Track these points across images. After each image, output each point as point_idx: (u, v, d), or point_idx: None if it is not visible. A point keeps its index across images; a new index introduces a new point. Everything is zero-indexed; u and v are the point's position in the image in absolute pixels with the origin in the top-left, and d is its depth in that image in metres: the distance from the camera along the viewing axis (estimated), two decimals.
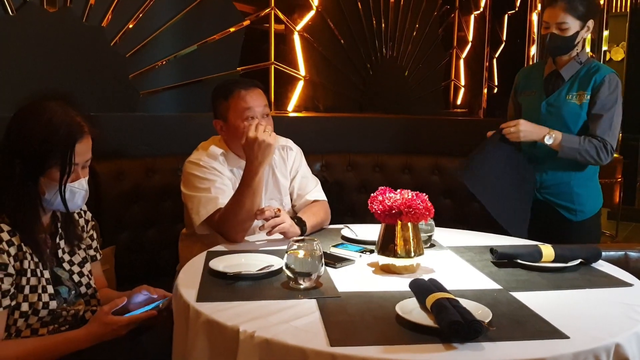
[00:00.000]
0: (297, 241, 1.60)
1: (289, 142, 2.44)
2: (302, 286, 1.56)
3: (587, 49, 2.59)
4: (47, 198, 1.59)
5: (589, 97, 2.41)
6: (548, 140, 2.35)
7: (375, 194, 1.76)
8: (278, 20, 3.27)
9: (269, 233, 1.99)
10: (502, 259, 1.82)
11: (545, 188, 2.52)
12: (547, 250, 1.78)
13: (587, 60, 2.47)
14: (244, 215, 2.03)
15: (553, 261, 1.78)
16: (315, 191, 2.37)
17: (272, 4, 3.23)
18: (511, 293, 1.55)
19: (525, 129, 2.36)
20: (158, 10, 2.89)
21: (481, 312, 1.35)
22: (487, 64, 4.16)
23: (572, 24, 2.38)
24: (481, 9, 4.20)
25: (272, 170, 2.33)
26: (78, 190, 1.63)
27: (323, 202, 2.37)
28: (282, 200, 2.35)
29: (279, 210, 2.02)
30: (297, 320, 1.35)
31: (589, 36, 2.54)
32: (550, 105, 2.47)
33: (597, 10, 2.45)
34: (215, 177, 2.16)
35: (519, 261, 1.78)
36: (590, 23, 2.43)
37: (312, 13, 3.40)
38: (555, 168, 2.48)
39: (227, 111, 2.22)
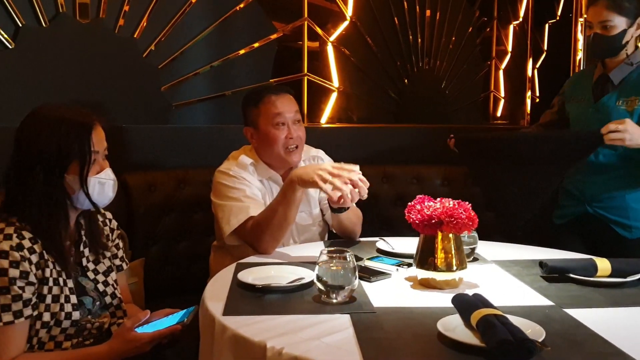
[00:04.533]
0: (329, 252, 1.50)
1: (320, 153, 2.39)
2: (334, 300, 1.47)
3: None
4: (76, 196, 1.56)
5: None
6: None
7: (413, 202, 1.66)
8: (311, 34, 3.22)
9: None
10: (552, 273, 1.69)
11: (596, 201, 2.34)
12: (603, 264, 1.66)
13: None
14: (276, 225, 1.96)
15: (610, 276, 1.65)
16: None
17: (305, 15, 3.19)
18: (565, 310, 1.43)
19: (632, 130, 2.04)
20: (190, 22, 2.87)
21: (532, 330, 1.23)
22: (529, 74, 4.04)
23: (618, 22, 2.20)
24: (520, 19, 4.09)
25: None
26: (106, 180, 1.61)
27: (356, 209, 2.28)
28: (311, 212, 2.30)
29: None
30: (328, 336, 1.26)
31: None
32: (598, 112, 2.30)
33: None
34: (245, 186, 2.12)
35: (571, 275, 1.66)
36: None
37: (345, 23, 3.34)
38: (609, 180, 2.29)
39: (258, 117, 2.18)
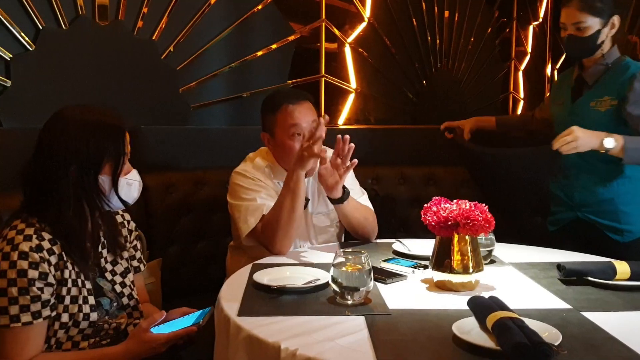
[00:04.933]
0: (344, 254, 1.50)
1: (330, 151, 2.36)
2: (349, 302, 1.47)
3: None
4: (107, 196, 1.58)
5: (616, 102, 2.17)
6: (609, 144, 2.04)
7: (429, 204, 1.65)
8: (329, 35, 3.21)
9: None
10: (570, 276, 1.67)
11: (586, 206, 2.29)
12: (622, 267, 1.64)
13: (616, 61, 2.24)
14: (285, 219, 1.96)
15: (629, 279, 1.63)
16: (362, 200, 2.29)
17: (323, 16, 3.19)
18: (582, 313, 1.41)
19: (582, 136, 2.04)
20: (208, 23, 2.88)
21: (549, 333, 1.22)
22: (549, 75, 3.99)
23: (592, 23, 2.17)
24: (540, 20, 4.05)
25: (318, 183, 2.26)
26: (133, 181, 1.63)
27: (370, 209, 2.28)
28: (329, 213, 2.28)
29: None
30: (343, 338, 1.26)
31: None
32: (574, 114, 2.26)
33: (623, 3, 2.18)
34: (260, 187, 2.12)
35: (589, 278, 1.64)
36: (616, 19, 2.21)
37: (363, 25, 3.33)
38: (595, 183, 2.25)
39: (274, 126, 2.16)
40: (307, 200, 2.18)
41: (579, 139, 2.04)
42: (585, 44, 2.20)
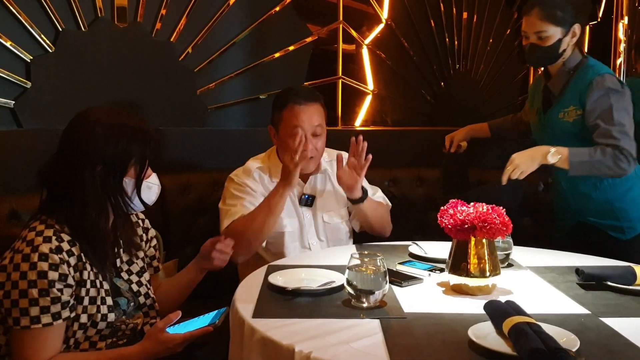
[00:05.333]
0: (359, 256, 1.49)
1: (344, 154, 2.36)
2: (364, 305, 1.46)
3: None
4: (130, 197, 1.60)
5: (581, 111, 2.19)
6: (552, 159, 2.10)
7: (445, 207, 1.63)
8: (347, 37, 3.21)
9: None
10: (589, 281, 1.65)
11: (584, 210, 2.31)
12: None
13: (577, 66, 2.24)
14: (252, 230, 2.03)
15: None
16: (376, 196, 2.33)
17: (341, 18, 3.18)
18: (601, 319, 1.39)
19: (520, 162, 2.12)
20: (226, 25, 2.89)
21: (566, 339, 1.20)
22: None
23: (553, 32, 2.18)
24: None
25: (329, 181, 2.32)
26: (153, 185, 1.66)
27: (384, 204, 2.32)
28: (339, 211, 2.31)
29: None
30: (357, 341, 1.25)
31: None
32: (546, 126, 2.29)
33: (584, 12, 2.21)
34: (244, 194, 2.17)
35: (608, 283, 1.62)
36: (577, 28, 2.21)
37: (381, 26, 3.32)
38: (588, 188, 2.27)
39: (279, 123, 2.20)
40: (312, 197, 2.20)
41: (519, 166, 2.11)
42: (546, 53, 2.22)
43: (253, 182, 2.20)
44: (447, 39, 3.47)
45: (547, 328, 1.22)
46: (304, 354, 1.19)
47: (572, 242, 2.27)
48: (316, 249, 2.23)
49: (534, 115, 2.44)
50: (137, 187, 1.60)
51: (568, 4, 2.21)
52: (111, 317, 1.58)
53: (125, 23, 2.63)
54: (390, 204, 2.38)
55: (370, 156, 2.10)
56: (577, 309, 1.48)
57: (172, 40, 2.76)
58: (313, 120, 2.16)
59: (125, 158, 1.56)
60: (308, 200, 2.24)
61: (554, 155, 2.11)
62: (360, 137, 2.10)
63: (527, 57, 2.31)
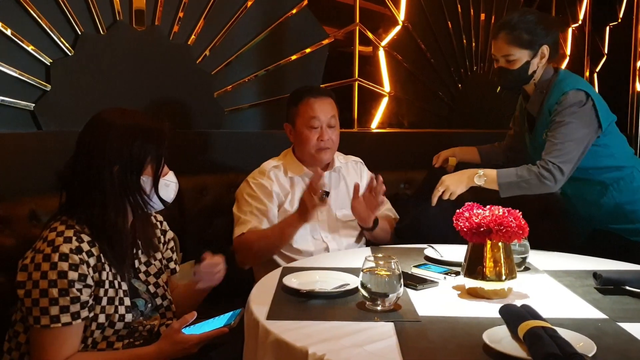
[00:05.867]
0: (374, 259, 1.49)
1: (360, 160, 2.52)
2: (378, 308, 1.46)
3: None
4: (149, 195, 1.62)
5: None
6: (478, 181, 2.13)
7: (461, 210, 1.63)
8: (363, 39, 3.20)
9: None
10: (607, 285, 1.63)
11: (597, 217, 2.32)
12: None
13: (549, 83, 2.23)
14: (261, 248, 2.16)
15: None
16: (386, 209, 2.42)
17: (357, 20, 3.18)
18: (618, 324, 1.38)
19: (450, 183, 2.14)
20: (243, 28, 2.90)
21: (583, 344, 1.19)
22: (588, 78, 3.90)
23: (520, 55, 2.17)
24: (579, 22, 3.96)
25: (343, 179, 2.38)
26: (170, 182, 1.68)
27: (391, 217, 2.42)
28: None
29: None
30: (371, 344, 1.25)
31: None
32: (534, 147, 2.29)
33: (551, 33, 2.19)
34: (254, 201, 2.24)
35: (627, 287, 1.60)
36: (545, 49, 2.19)
37: (398, 28, 3.31)
38: (596, 197, 2.27)
39: (295, 117, 2.29)
40: (327, 192, 2.22)
41: (449, 187, 2.14)
42: (515, 76, 2.22)
43: (267, 180, 2.27)
44: (464, 40, 3.45)
45: (563, 333, 1.21)
46: (318, 356, 1.19)
47: (593, 250, 2.26)
48: (329, 242, 2.27)
49: (520, 133, 2.45)
50: (155, 185, 1.62)
51: (537, 25, 2.19)
52: (129, 317, 1.59)
53: (143, 26, 2.65)
54: (397, 216, 2.45)
55: (384, 198, 2.18)
56: (594, 313, 1.47)
57: (189, 43, 2.78)
58: (328, 111, 2.27)
59: (140, 157, 1.58)
60: (325, 194, 2.27)
61: (481, 177, 2.14)
62: (380, 178, 2.15)
63: (497, 81, 2.32)
